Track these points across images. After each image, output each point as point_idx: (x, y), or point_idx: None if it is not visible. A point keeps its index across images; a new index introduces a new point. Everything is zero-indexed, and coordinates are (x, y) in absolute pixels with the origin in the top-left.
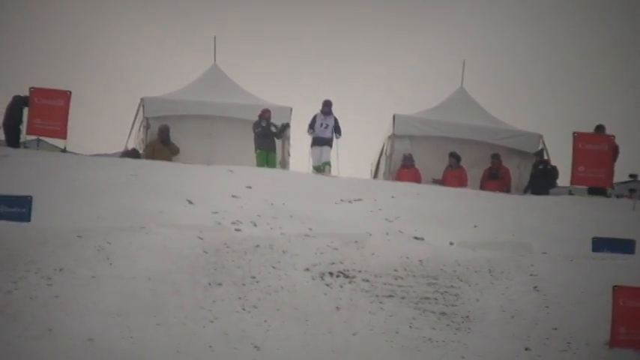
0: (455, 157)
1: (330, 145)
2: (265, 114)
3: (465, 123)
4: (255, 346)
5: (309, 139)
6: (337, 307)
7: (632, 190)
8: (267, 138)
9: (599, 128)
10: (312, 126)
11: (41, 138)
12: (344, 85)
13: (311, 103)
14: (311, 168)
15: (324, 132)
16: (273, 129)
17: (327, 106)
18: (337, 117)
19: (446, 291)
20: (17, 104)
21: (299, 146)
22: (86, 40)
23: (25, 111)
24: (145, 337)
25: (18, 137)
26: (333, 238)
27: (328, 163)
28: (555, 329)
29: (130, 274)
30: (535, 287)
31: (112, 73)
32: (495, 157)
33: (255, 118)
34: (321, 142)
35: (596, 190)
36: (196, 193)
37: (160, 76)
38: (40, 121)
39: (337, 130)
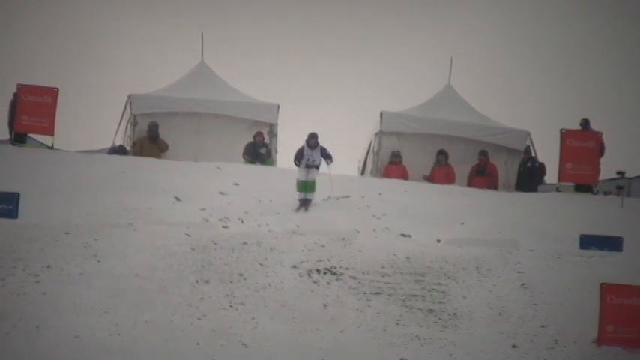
0: (443, 154)
1: (317, 168)
2: (258, 137)
3: (452, 120)
4: (243, 343)
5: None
6: (324, 304)
7: (619, 187)
8: (257, 158)
9: (585, 122)
10: (298, 159)
11: (28, 135)
12: (331, 82)
13: (298, 100)
14: (295, 183)
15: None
16: (263, 151)
17: (312, 138)
18: (324, 146)
19: (433, 288)
20: None
21: (286, 143)
22: (73, 36)
23: None
24: (133, 334)
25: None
26: (320, 235)
27: (314, 183)
28: (543, 326)
29: (118, 270)
30: (522, 284)
31: (100, 70)
32: (483, 153)
33: (243, 115)
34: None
35: (582, 187)
36: (184, 190)
37: (147, 73)
38: (27, 118)
39: (327, 157)
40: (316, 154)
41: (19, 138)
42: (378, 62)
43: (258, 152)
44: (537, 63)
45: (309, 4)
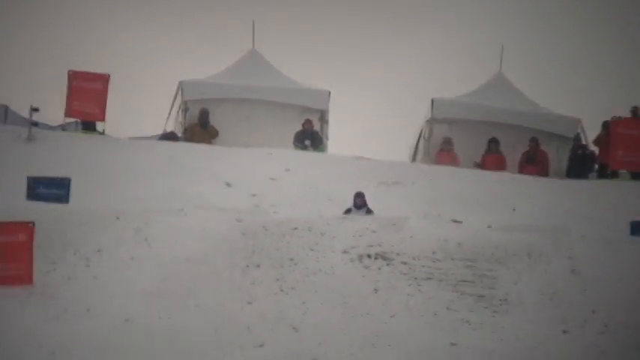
0: (495, 142)
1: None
2: (307, 125)
3: (503, 107)
4: (293, 328)
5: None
6: (375, 290)
7: None
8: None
9: (635, 109)
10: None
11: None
12: (382, 69)
13: (350, 86)
14: None
15: None
16: (308, 142)
17: (359, 197)
18: (371, 209)
19: (484, 274)
20: None
21: (337, 129)
22: (124, 23)
23: None
24: (183, 319)
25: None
26: (371, 221)
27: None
28: (593, 312)
29: (168, 255)
30: (573, 270)
31: (151, 56)
32: (533, 140)
33: (293, 102)
34: None
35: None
36: (235, 176)
37: (198, 60)
38: (78, 104)
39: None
40: (361, 213)
41: (87, 126)
42: (429, 50)
43: (304, 143)
44: (591, 49)
45: None
